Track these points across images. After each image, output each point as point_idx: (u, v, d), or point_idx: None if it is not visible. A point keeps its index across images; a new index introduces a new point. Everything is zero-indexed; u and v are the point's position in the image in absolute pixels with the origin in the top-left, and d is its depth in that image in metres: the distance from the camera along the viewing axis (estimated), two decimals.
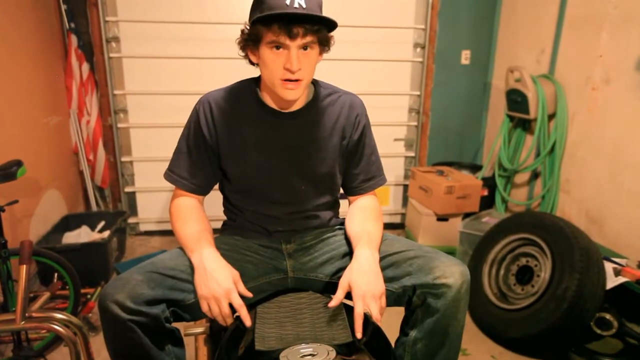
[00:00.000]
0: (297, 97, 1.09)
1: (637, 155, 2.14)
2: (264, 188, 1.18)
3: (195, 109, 1.18)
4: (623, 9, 2.19)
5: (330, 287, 1.20)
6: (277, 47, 1.02)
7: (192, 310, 1.06)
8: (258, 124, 1.15)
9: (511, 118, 2.97)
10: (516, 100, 2.76)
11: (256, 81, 1.19)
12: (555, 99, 2.62)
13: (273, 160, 1.16)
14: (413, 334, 1.08)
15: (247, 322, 0.99)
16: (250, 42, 1.06)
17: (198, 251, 1.05)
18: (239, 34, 1.10)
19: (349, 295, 1.11)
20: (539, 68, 2.78)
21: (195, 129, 1.17)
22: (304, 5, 0.98)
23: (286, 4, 0.97)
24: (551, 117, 2.69)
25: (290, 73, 1.02)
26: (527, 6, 2.90)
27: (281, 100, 1.12)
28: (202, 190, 1.21)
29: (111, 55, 2.81)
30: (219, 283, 1.00)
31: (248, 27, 1.06)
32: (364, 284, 1.00)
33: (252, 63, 1.14)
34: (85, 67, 2.76)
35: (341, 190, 1.33)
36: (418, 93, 3.18)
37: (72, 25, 2.69)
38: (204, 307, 1.01)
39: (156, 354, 0.97)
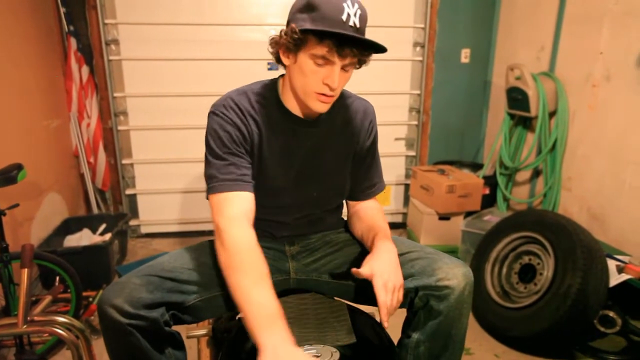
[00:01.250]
0: (326, 110, 1.06)
1: (638, 151, 2.13)
2: (277, 194, 1.16)
3: (219, 111, 1.06)
4: (623, 4, 2.18)
5: (334, 289, 1.20)
6: (323, 63, 0.98)
7: (192, 312, 1.05)
8: (280, 130, 1.11)
9: (512, 116, 2.97)
10: (517, 98, 2.75)
11: (276, 84, 1.14)
12: (555, 97, 2.62)
13: (291, 167, 1.14)
14: (415, 336, 1.07)
15: None
16: (290, 45, 0.98)
17: (272, 335, 0.84)
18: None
19: (353, 298, 1.11)
20: (539, 65, 2.77)
21: (228, 128, 1.04)
22: (358, 25, 0.96)
23: (342, 20, 0.93)
24: (552, 114, 2.68)
25: (330, 90, 1.00)
26: (527, 3, 2.89)
27: (307, 108, 1.08)
28: (253, 188, 1.07)
29: (111, 57, 2.80)
30: None
31: (293, 32, 0.96)
32: (385, 273, 0.98)
33: (278, 61, 1.08)
34: (85, 69, 2.75)
35: None
36: (418, 92, 3.18)
37: (72, 28, 2.68)
38: None
39: (156, 358, 0.97)
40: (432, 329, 1.03)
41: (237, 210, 1.01)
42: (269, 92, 1.12)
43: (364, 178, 1.25)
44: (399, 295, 1.00)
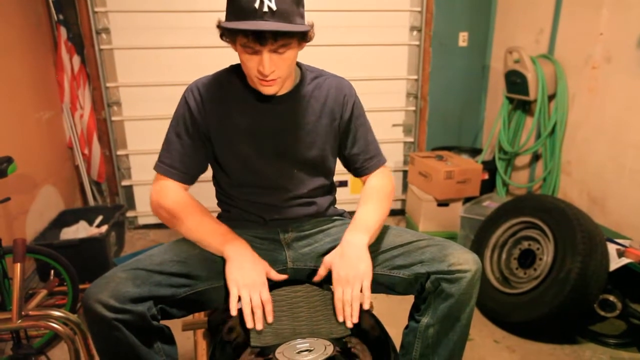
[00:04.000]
0: (274, 92, 1.08)
1: (638, 134, 2.11)
2: (257, 173, 1.17)
3: (184, 97, 1.17)
4: None
5: (330, 277, 1.18)
6: (250, 50, 1.00)
7: (183, 306, 1.04)
8: (247, 108, 1.14)
9: (510, 100, 2.93)
10: (515, 81, 2.71)
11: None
12: (555, 79, 2.58)
13: (264, 145, 1.16)
14: (425, 320, 1.08)
15: (270, 317, 0.98)
16: (226, 40, 1.06)
17: (231, 243, 1.05)
18: None
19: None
20: (538, 48, 2.73)
21: (186, 117, 1.15)
22: (275, 7, 0.94)
23: (255, 8, 0.94)
24: (551, 97, 2.65)
25: (262, 75, 1.02)
26: None
27: None
28: (192, 179, 1.19)
29: (102, 47, 2.76)
30: (253, 276, 1.01)
31: (217, 25, 1.03)
32: (342, 268, 1.02)
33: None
34: (76, 59, 2.71)
35: (337, 177, 1.30)
36: (415, 77, 3.13)
37: (61, 17, 2.63)
38: (234, 293, 0.98)
39: (144, 352, 0.96)
40: (443, 312, 1.05)
41: (175, 188, 1.16)
42: (235, 74, 1.17)
43: (359, 151, 1.25)
44: (364, 286, 1.01)
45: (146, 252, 1.07)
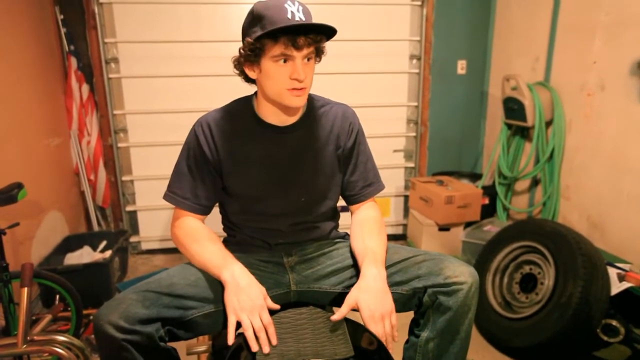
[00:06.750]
0: (302, 103, 1.12)
1: (635, 159, 2.14)
2: (266, 202, 1.20)
3: (193, 130, 1.19)
4: (614, 15, 2.21)
5: (335, 298, 1.21)
6: (284, 60, 1.05)
7: (190, 327, 1.05)
8: (257, 140, 1.17)
9: (509, 126, 2.99)
10: (513, 108, 2.77)
11: (251, 98, 1.22)
12: (551, 106, 2.64)
13: (274, 175, 1.18)
14: (425, 334, 1.09)
15: (274, 340, 0.98)
16: (251, 57, 1.07)
17: (228, 268, 1.06)
18: (236, 51, 1.12)
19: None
20: (534, 76, 2.80)
21: (196, 149, 1.17)
22: (304, 19, 1.02)
23: (288, 18, 1.01)
24: (548, 123, 2.70)
25: (298, 82, 1.06)
26: (521, 15, 2.93)
27: (281, 113, 1.15)
28: (205, 210, 1.21)
29: (110, 75, 2.84)
30: (252, 299, 1.01)
31: (249, 43, 1.05)
32: (372, 303, 1.02)
33: (247, 80, 1.17)
34: (85, 88, 2.78)
35: (341, 202, 1.33)
36: (416, 104, 3.20)
37: (72, 47, 2.72)
38: (232, 321, 0.99)
39: None
40: (442, 325, 1.06)
41: (190, 217, 1.21)
42: (245, 106, 1.20)
43: (357, 178, 1.28)
44: (391, 320, 1.04)
45: (155, 276, 1.09)
